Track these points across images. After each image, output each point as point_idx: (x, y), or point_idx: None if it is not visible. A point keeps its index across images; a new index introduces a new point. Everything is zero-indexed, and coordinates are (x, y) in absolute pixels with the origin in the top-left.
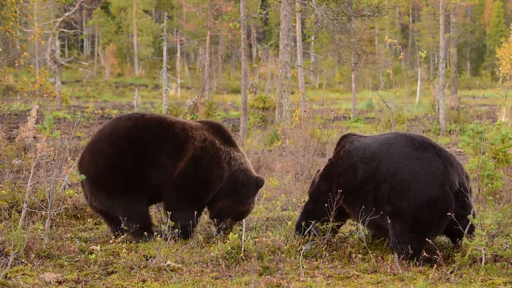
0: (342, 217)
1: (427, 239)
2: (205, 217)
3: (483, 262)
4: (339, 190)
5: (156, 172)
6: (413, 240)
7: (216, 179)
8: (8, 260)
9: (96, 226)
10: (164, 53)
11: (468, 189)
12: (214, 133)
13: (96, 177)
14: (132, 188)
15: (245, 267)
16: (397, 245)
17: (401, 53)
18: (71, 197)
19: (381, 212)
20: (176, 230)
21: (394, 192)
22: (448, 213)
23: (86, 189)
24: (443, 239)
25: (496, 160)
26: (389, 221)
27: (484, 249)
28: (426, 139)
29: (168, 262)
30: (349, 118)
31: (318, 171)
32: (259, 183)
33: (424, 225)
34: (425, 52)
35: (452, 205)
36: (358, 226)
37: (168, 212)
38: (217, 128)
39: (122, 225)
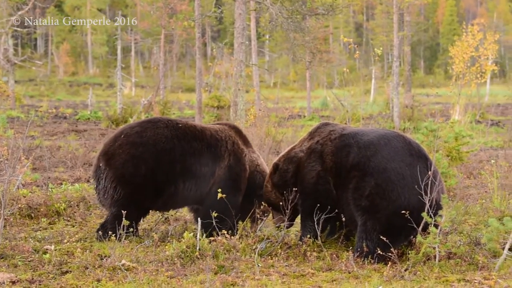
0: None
1: (393, 244)
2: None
3: (437, 260)
4: (331, 169)
5: (194, 184)
6: (380, 241)
7: (244, 182)
8: None
9: (50, 225)
10: (118, 51)
11: (441, 206)
12: (236, 135)
13: (132, 180)
14: (159, 199)
15: (200, 266)
16: (363, 240)
17: (357, 52)
18: (25, 197)
19: (356, 204)
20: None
21: (377, 188)
22: (403, 212)
23: (107, 177)
24: None
25: (449, 158)
26: (362, 216)
27: (438, 246)
28: (422, 149)
29: (123, 261)
30: (304, 116)
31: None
32: None
33: (396, 230)
34: (381, 49)
35: (424, 217)
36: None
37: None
38: (237, 130)
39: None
